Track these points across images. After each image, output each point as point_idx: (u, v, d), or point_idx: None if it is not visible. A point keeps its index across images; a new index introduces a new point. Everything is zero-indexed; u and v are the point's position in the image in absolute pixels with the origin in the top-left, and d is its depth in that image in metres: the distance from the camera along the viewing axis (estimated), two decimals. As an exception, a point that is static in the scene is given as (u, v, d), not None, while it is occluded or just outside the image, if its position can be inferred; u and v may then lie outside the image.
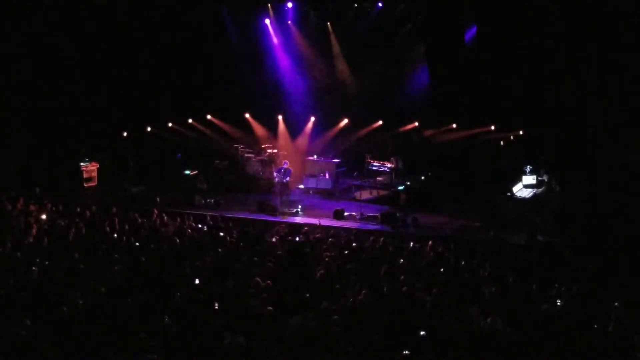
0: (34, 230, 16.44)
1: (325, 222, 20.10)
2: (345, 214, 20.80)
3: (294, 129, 27.33)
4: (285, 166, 22.45)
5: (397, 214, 20.36)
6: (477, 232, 19.27)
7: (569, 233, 18.43)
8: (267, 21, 27.39)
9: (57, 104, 25.22)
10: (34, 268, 13.54)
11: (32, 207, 18.82)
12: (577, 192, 20.52)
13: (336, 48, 27.27)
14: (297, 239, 16.96)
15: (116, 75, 25.72)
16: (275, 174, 22.75)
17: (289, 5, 26.60)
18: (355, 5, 26.16)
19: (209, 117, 27.54)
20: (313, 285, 13.31)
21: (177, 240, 16.07)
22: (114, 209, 19.22)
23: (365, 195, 23.37)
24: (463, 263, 15.20)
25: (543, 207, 19.75)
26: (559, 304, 12.55)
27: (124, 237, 16.18)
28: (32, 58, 24.61)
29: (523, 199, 20.39)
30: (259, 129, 27.56)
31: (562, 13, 22.71)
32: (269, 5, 26.88)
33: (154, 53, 26.35)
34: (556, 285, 13.28)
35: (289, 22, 27.31)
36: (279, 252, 15.40)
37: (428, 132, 26.66)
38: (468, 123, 25.81)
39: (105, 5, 24.94)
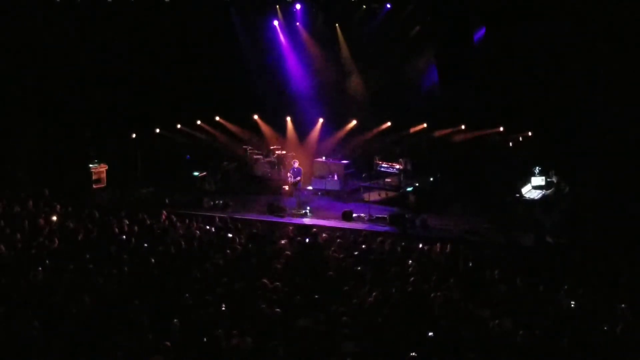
0: (44, 232, 16.52)
1: (333, 223, 20.15)
2: (354, 215, 20.79)
3: (303, 131, 27.32)
4: (295, 166, 22.50)
5: (406, 216, 20.34)
6: (486, 233, 19.22)
7: (577, 235, 18.37)
8: (276, 22, 27.40)
9: (66, 105, 25.31)
10: (40, 269, 13.59)
11: (41, 209, 18.89)
12: (586, 194, 20.45)
13: (344, 49, 27.24)
14: (307, 240, 16.95)
15: (124, 77, 25.77)
16: (289, 175, 22.81)
17: (298, 6, 26.58)
18: (364, 6, 26.13)
19: (217, 118, 27.57)
20: (322, 287, 13.32)
21: (186, 242, 16.10)
22: (123, 211, 19.28)
23: (374, 196, 23.32)
24: (472, 264, 15.19)
25: (552, 209, 19.70)
26: (567, 305, 12.53)
27: (133, 239, 16.23)
28: (40, 60, 24.69)
29: (532, 200, 20.34)
30: (267, 131, 27.58)
31: (569, 13, 22.62)
32: (278, 6, 26.88)
33: (163, 54, 26.40)
34: (565, 286, 13.26)
35: (298, 23, 27.28)
36: (288, 254, 15.41)
37: (437, 133, 26.60)
38: (477, 124, 25.74)
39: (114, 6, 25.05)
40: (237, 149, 27.15)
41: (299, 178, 22.40)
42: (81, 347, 10.46)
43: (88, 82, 25.54)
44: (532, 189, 20.95)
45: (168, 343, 10.31)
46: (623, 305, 12.09)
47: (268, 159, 26.05)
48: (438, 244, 16.47)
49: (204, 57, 26.72)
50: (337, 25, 27.00)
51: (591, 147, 22.25)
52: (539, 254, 16.86)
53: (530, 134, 25.34)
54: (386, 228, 19.89)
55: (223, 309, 11.92)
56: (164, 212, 19.28)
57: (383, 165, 24.48)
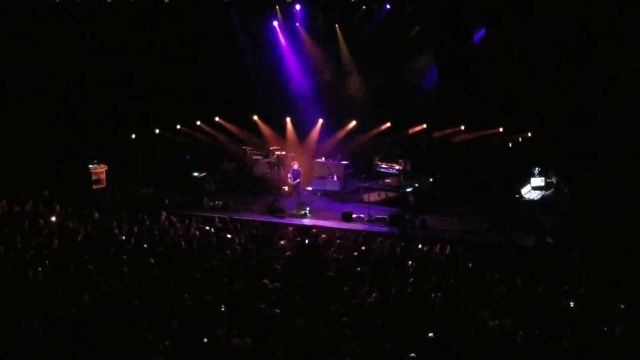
0: (43, 232, 16.52)
1: (333, 224, 20.15)
2: (354, 216, 20.79)
3: (302, 131, 27.33)
4: (294, 167, 22.48)
5: (406, 216, 20.33)
6: (486, 234, 19.22)
7: (577, 235, 18.37)
8: (275, 23, 27.41)
9: (65, 106, 25.31)
10: (40, 269, 13.59)
11: (41, 209, 18.89)
12: (585, 194, 20.45)
13: (344, 50, 27.27)
14: (306, 241, 16.95)
15: (125, 77, 25.78)
16: (289, 176, 22.79)
17: (297, 7, 26.58)
18: (364, 7, 26.13)
19: (217, 119, 27.57)
20: (322, 287, 13.32)
21: (185, 243, 16.09)
22: (123, 211, 19.28)
23: (374, 197, 23.31)
24: (471, 265, 15.19)
25: (551, 209, 19.71)
26: (567, 305, 12.54)
27: (132, 239, 16.22)
28: (40, 60, 24.69)
29: (531, 201, 20.35)
30: (267, 131, 27.59)
31: (570, 14, 22.64)
32: (277, 7, 26.89)
33: (163, 55, 26.42)
34: (565, 287, 13.27)
35: (297, 24, 27.29)
36: (288, 254, 15.41)
37: (436, 134, 26.61)
38: (476, 125, 25.74)
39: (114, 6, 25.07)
40: (237, 150, 27.15)
41: (298, 180, 22.38)
42: (81, 347, 10.45)
43: (88, 82, 25.56)
44: (532, 189, 20.97)
45: (168, 343, 10.31)
46: (623, 306, 12.09)
47: (268, 160, 26.05)
48: (438, 245, 16.47)
49: (203, 58, 26.73)
50: (336, 25, 27.01)
51: (591, 147, 22.26)
52: (539, 255, 16.86)
53: (529, 134, 25.34)
54: (386, 229, 19.89)
55: (223, 309, 11.92)
56: (164, 212, 19.28)
57: (383, 165, 24.48)
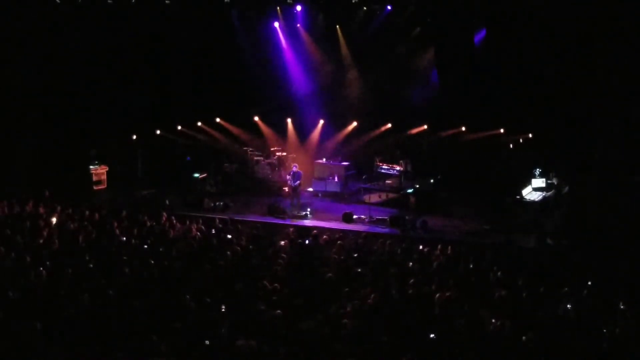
0: (44, 233, 16.51)
1: (334, 225, 20.14)
2: (354, 217, 20.79)
3: (303, 132, 27.35)
4: (294, 169, 22.47)
5: (406, 217, 20.33)
6: (487, 235, 19.21)
7: (578, 236, 18.36)
8: (276, 24, 27.40)
9: (66, 106, 25.31)
10: (42, 269, 13.58)
11: (41, 210, 18.89)
12: (586, 195, 20.44)
13: (345, 51, 27.26)
14: (307, 241, 16.94)
15: (126, 78, 25.79)
16: (288, 178, 22.79)
17: (298, 8, 26.53)
18: (364, 8, 26.11)
19: (218, 120, 27.57)
20: (322, 288, 13.30)
21: (186, 243, 16.08)
22: (124, 212, 19.27)
23: (374, 198, 23.35)
24: (472, 266, 15.17)
25: (552, 210, 19.70)
26: (567, 307, 12.52)
27: (133, 240, 16.21)
28: (42, 60, 24.70)
29: (532, 202, 20.34)
30: (268, 132, 27.59)
31: (570, 15, 22.62)
32: (278, 8, 26.86)
33: (164, 56, 26.42)
34: (565, 288, 13.25)
35: (298, 25, 27.27)
36: (289, 255, 15.39)
37: (437, 135, 26.60)
38: (477, 126, 25.73)
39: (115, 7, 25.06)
40: (238, 151, 27.16)
41: (298, 182, 22.37)
42: (82, 348, 10.44)
43: (89, 83, 25.55)
44: (533, 190, 20.97)
45: (169, 345, 10.29)
46: (623, 307, 12.08)
47: (268, 161, 26.07)
48: (439, 246, 16.46)
49: (204, 59, 26.72)
50: (337, 26, 26.99)
51: (591, 148, 22.23)
52: (540, 256, 16.86)
53: (530, 135, 25.33)
54: (386, 230, 19.89)
55: (223, 310, 11.91)
56: (165, 213, 19.28)
57: (383, 166, 24.52)
